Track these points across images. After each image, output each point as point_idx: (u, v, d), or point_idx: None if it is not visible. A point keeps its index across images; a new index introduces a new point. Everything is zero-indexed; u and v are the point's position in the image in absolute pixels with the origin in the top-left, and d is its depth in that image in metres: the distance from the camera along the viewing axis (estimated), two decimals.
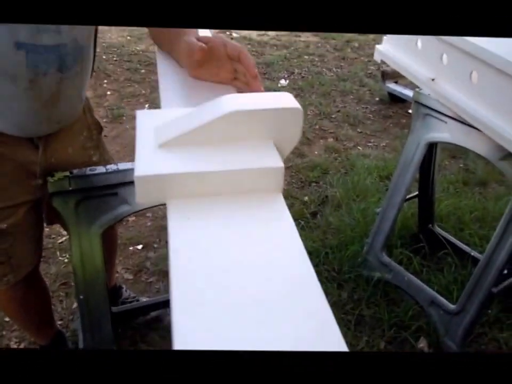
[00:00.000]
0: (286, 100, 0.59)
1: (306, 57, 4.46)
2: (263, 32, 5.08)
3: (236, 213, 0.52)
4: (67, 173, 1.27)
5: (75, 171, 1.28)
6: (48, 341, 1.63)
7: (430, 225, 2.14)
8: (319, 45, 4.78)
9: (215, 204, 0.53)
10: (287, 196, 2.57)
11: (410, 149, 1.77)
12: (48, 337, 1.63)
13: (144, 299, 1.91)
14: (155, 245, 2.37)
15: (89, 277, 1.37)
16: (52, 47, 0.96)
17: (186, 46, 0.82)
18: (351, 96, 3.76)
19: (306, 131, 3.17)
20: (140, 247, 2.35)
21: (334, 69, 4.24)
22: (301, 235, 0.49)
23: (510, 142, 1.33)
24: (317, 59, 4.43)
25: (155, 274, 2.19)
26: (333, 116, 3.46)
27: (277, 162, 0.55)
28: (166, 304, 1.88)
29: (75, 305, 1.99)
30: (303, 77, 4.06)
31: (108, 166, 1.34)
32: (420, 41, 1.66)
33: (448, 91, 1.54)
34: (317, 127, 3.30)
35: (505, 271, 1.71)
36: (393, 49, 1.82)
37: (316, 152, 3.02)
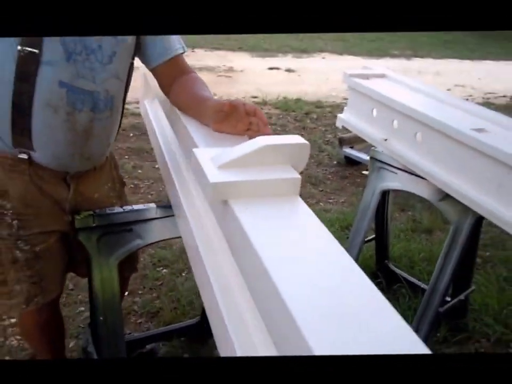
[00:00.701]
0: (298, 138, 0.93)
1: (269, 127, 4.90)
2: None
3: (274, 204, 0.84)
4: (91, 212, 1.54)
5: (97, 210, 1.55)
6: None
7: (386, 261, 2.49)
8: (281, 116, 5.26)
9: (261, 200, 0.85)
10: None
11: (368, 197, 2.14)
12: None
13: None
14: (139, 291, 2.58)
15: (107, 299, 1.61)
16: (87, 91, 1.25)
17: (216, 103, 1.13)
18: (312, 160, 4.18)
19: None
20: (126, 293, 2.56)
21: None
22: None
23: (446, 185, 1.71)
24: (279, 129, 4.88)
25: (143, 316, 2.39)
26: None
27: (296, 175, 0.88)
28: (160, 337, 2.12)
29: (72, 343, 2.17)
30: None
31: (125, 206, 1.62)
32: (375, 110, 2.07)
33: (398, 148, 1.93)
34: None
35: (449, 298, 2.06)
36: (352, 117, 2.22)
37: None
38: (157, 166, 3.85)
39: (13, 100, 1.20)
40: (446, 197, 1.77)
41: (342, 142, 3.96)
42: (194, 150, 0.97)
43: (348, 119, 2.23)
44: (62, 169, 1.36)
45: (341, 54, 9.63)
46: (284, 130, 4.84)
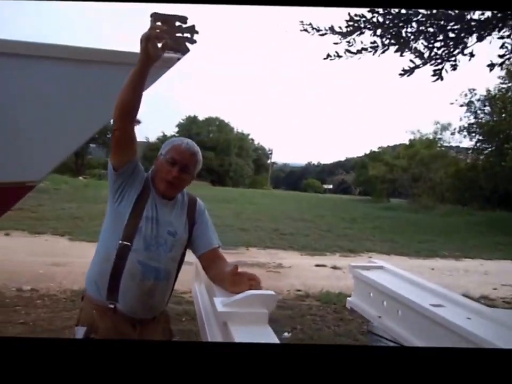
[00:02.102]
0: (270, 292, 1.54)
1: (308, 317, 5.36)
2: None
3: (252, 327, 1.40)
4: None
5: None
6: None
7: None
8: (321, 308, 5.73)
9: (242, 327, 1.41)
10: None
11: None
12: None
13: None
14: None
15: None
16: (154, 267, 1.94)
17: (229, 271, 1.81)
18: None
19: None
20: None
21: (332, 327, 5.09)
22: None
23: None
24: (318, 319, 5.31)
25: None
26: None
27: (263, 310, 1.45)
28: None
29: None
30: (304, 332, 4.89)
31: None
32: (372, 293, 2.60)
33: (388, 323, 2.41)
34: None
35: None
36: (357, 299, 2.75)
37: None
38: None
39: (112, 271, 1.91)
40: None
41: (370, 331, 4.34)
42: (214, 298, 1.60)
43: (354, 301, 2.76)
44: (133, 315, 1.97)
45: (388, 254, 10.20)
46: (322, 320, 5.27)
